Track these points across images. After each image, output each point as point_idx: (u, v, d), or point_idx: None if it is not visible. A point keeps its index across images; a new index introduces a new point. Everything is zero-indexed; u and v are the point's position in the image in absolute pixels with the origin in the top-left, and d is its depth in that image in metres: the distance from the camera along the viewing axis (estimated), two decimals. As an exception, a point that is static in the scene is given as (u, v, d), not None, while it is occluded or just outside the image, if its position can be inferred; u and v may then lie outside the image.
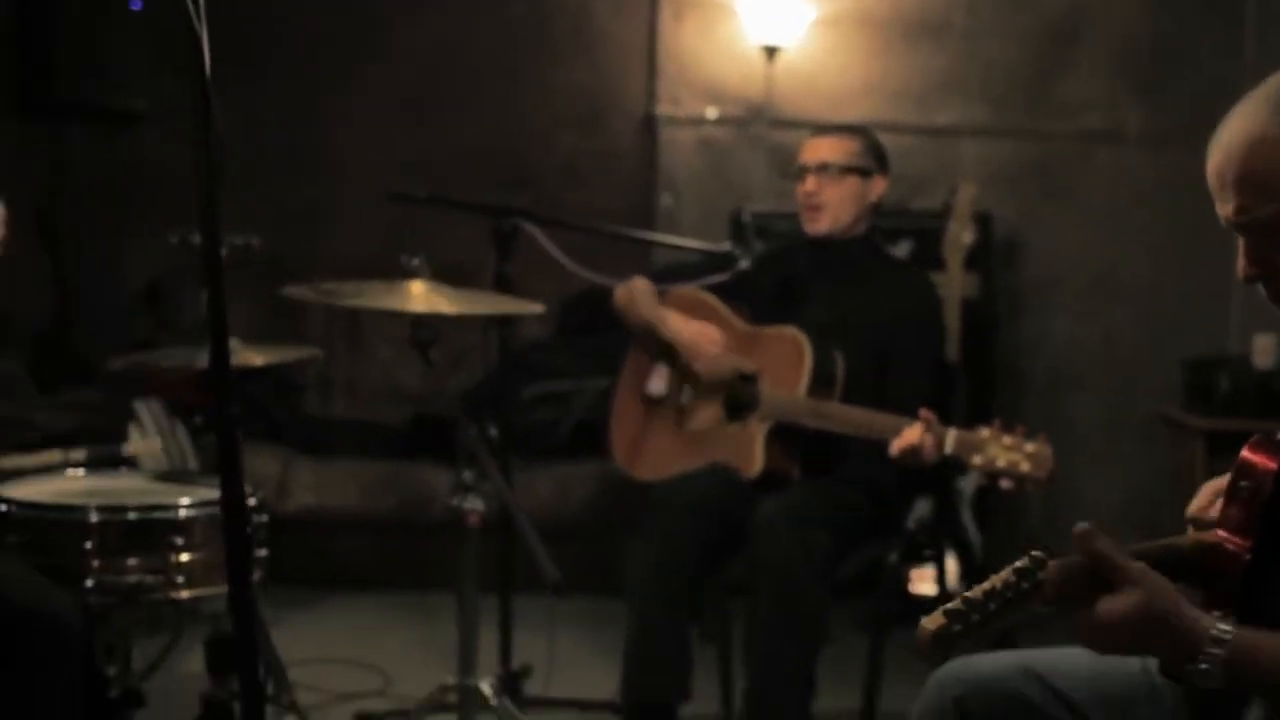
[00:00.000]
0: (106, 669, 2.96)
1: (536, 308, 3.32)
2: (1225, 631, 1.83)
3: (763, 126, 6.21)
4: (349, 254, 6.04)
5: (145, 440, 5.12)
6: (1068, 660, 2.22)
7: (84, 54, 5.94)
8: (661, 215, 6.34)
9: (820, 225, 4.04)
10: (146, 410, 5.23)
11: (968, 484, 4.64)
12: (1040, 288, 6.31)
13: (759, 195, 6.12)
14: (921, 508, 4.43)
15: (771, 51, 6.13)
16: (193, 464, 5.08)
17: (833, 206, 4.02)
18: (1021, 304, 6.28)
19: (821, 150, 4.04)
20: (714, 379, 4.01)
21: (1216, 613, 1.89)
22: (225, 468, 2.21)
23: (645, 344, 4.24)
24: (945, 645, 1.89)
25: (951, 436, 3.51)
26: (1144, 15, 6.27)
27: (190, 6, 2.06)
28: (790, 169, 4.15)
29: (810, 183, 4.02)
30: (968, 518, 4.58)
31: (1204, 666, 1.83)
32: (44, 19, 5.90)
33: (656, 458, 4.10)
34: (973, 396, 5.25)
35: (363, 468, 5.64)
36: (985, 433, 3.45)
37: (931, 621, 1.89)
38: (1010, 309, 6.18)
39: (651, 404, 4.19)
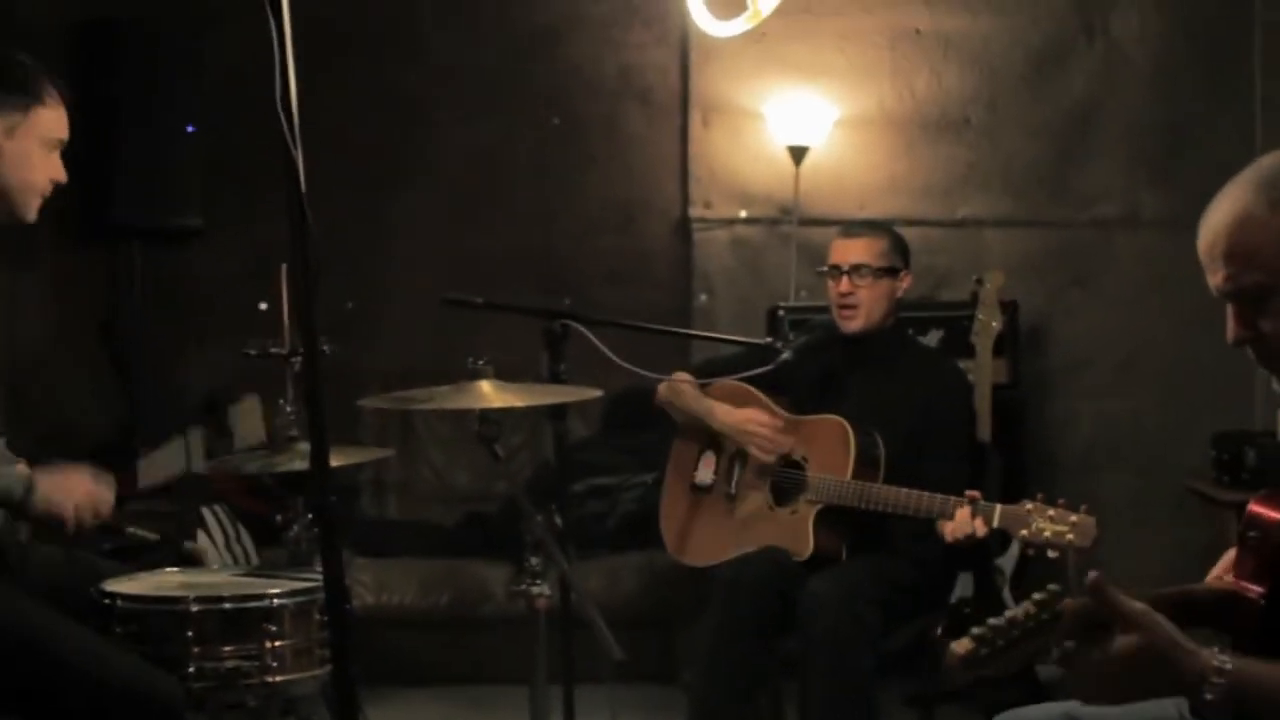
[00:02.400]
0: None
1: (595, 392, 3.52)
2: (1225, 662, 1.98)
3: (792, 225, 6.39)
4: (394, 358, 6.22)
5: (213, 545, 5.35)
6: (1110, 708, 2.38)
7: (141, 175, 6.15)
8: (697, 313, 6.52)
9: (856, 324, 4.24)
10: (213, 517, 5.46)
11: (1007, 561, 4.79)
12: (1068, 371, 6.47)
13: (791, 291, 6.31)
14: (963, 583, 4.59)
15: (798, 152, 6.32)
16: (255, 562, 5.28)
17: (866, 305, 4.23)
18: (1050, 387, 6.43)
19: (853, 252, 4.25)
20: (770, 459, 4.18)
21: (1217, 649, 2.05)
22: (327, 551, 2.40)
23: (691, 435, 4.44)
24: (972, 666, 2.08)
25: (997, 511, 3.70)
26: (1155, 104, 6.47)
27: (285, 128, 2.25)
28: (823, 268, 4.34)
29: (845, 284, 4.23)
30: (1007, 594, 4.73)
31: (1209, 697, 1.98)
32: (102, 143, 6.11)
33: (707, 544, 4.29)
34: (1005, 477, 5.40)
35: (419, 566, 5.82)
36: (1029, 506, 3.65)
37: (960, 645, 2.08)
38: (1040, 392, 6.34)
39: (700, 492, 4.38)
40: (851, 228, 4.41)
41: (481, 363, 3.36)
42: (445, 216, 6.62)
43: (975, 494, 3.77)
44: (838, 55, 6.51)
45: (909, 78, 6.53)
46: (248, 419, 4.39)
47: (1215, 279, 2.21)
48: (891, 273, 4.28)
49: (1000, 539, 3.95)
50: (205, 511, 5.45)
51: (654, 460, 5.85)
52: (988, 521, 3.75)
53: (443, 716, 5.44)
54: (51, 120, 3.08)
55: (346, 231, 6.52)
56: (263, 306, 6.35)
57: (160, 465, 4.00)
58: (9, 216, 3.09)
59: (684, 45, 6.57)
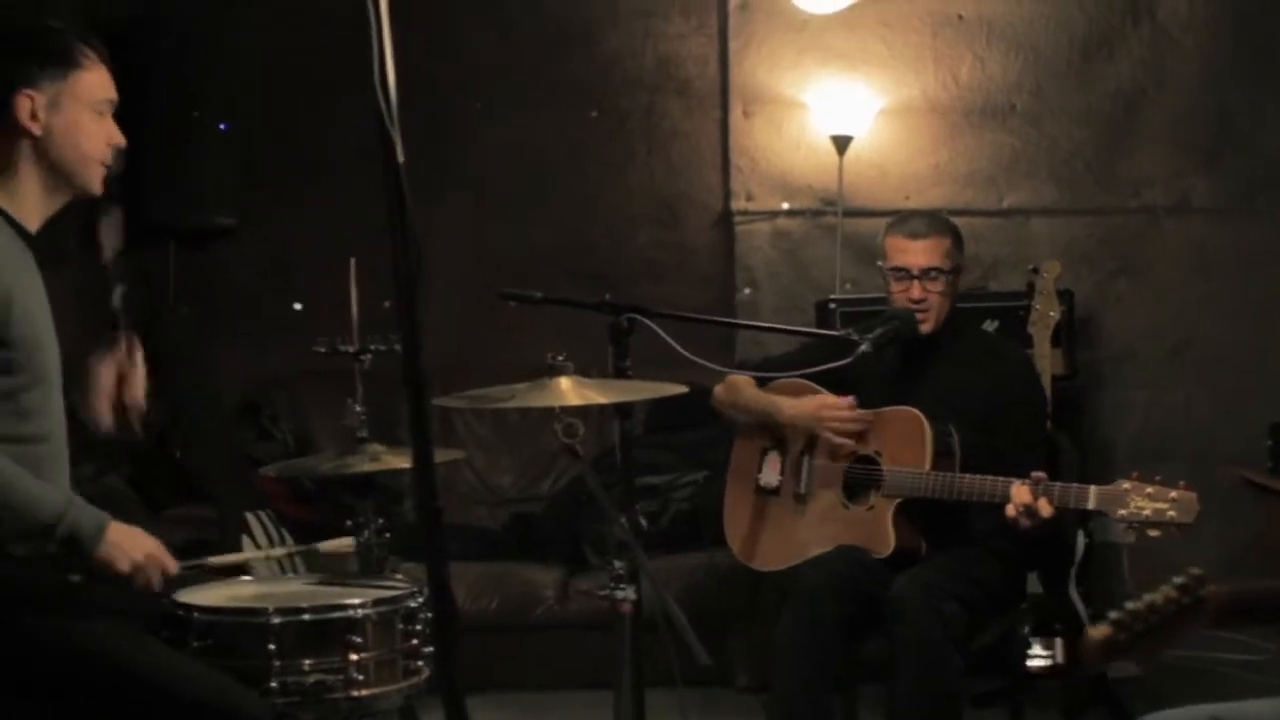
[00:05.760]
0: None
1: (680, 388, 3.39)
2: None
3: (836, 216, 6.29)
4: (435, 356, 6.10)
5: (264, 550, 5.24)
6: (1256, 710, 2.28)
7: (174, 175, 6.07)
8: (740, 307, 6.42)
9: (927, 326, 4.13)
10: (258, 523, 5.35)
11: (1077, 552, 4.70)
12: (1118, 360, 6.38)
13: (836, 284, 6.21)
14: (1029, 581, 4.49)
15: (841, 142, 6.23)
16: (302, 573, 5.17)
17: (936, 307, 4.12)
18: (1101, 377, 6.33)
19: (923, 255, 4.12)
20: (849, 441, 4.07)
21: None
22: (431, 561, 2.29)
23: (752, 436, 4.32)
24: (1109, 653, 1.98)
25: (1093, 493, 3.60)
26: (1203, 89, 6.37)
27: (383, 109, 2.13)
28: (887, 266, 4.19)
29: (917, 290, 4.10)
30: (1073, 590, 4.63)
31: None
32: (134, 142, 6.00)
33: (778, 547, 4.17)
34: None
35: (465, 570, 5.68)
36: (1126, 485, 3.55)
37: (1098, 632, 1.98)
38: (1091, 382, 6.24)
39: (766, 494, 4.26)
40: (913, 225, 4.20)
41: (560, 358, 3.25)
42: (484, 213, 6.53)
43: (1040, 475, 3.67)
44: (880, 43, 6.41)
45: (952, 65, 6.43)
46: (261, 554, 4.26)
47: None
48: (958, 271, 4.18)
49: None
50: (250, 517, 5.35)
51: (702, 458, 5.78)
52: (1052, 503, 3.64)
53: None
54: (94, 83, 2.93)
55: (383, 232, 6.42)
56: (297, 306, 6.28)
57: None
58: (74, 191, 2.95)
59: (723, 35, 6.48)
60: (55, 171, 2.91)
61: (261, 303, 6.50)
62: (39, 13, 3.01)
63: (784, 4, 6.37)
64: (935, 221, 4.26)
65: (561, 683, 5.45)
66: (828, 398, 4.11)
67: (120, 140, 2.97)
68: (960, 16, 6.42)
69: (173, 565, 2.87)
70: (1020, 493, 3.71)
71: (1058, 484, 3.72)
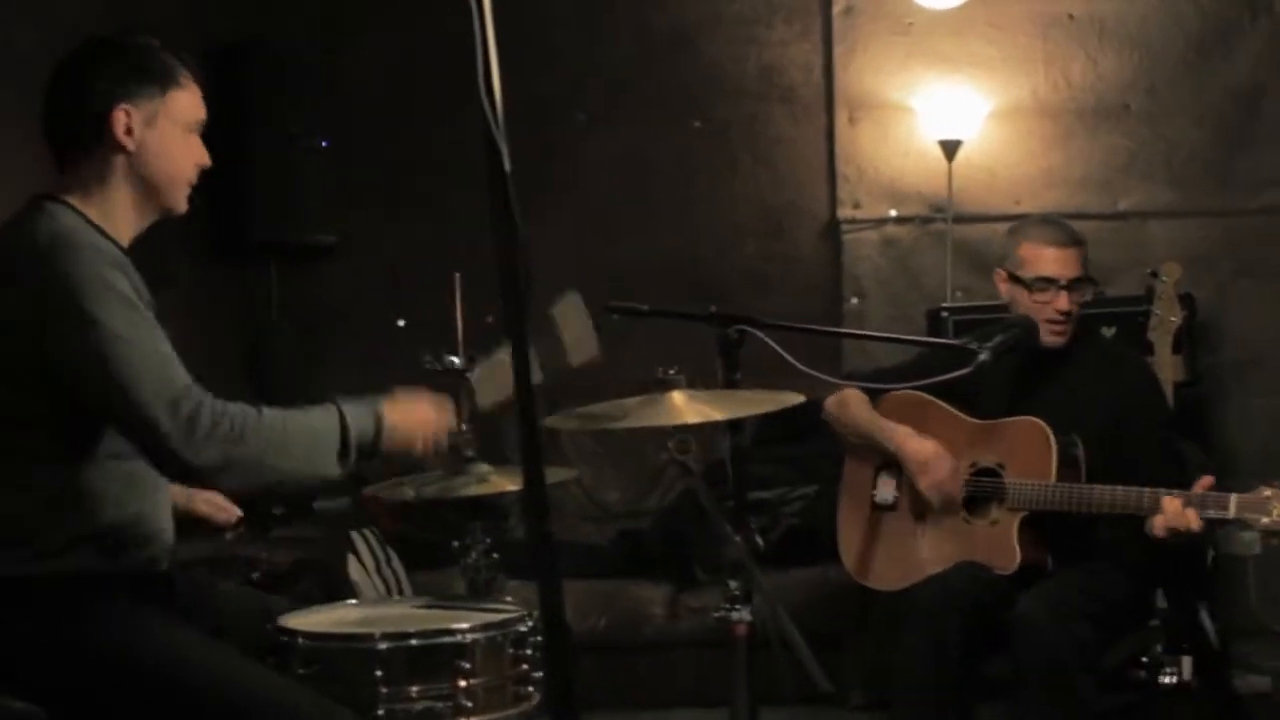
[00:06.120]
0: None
1: (797, 398, 3.27)
2: None
3: (946, 223, 6.17)
4: (545, 366, 6.06)
5: (364, 571, 5.19)
6: None
7: (275, 193, 6.08)
8: (848, 317, 6.34)
9: (1064, 338, 4.00)
10: (363, 541, 5.29)
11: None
12: (1241, 366, 6.19)
13: (947, 292, 6.08)
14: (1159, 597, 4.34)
15: (950, 147, 6.11)
16: (408, 592, 5.11)
17: (1075, 318, 3.99)
18: (1224, 383, 6.15)
19: (1072, 264, 3.97)
20: (940, 499, 3.96)
21: None
22: (544, 585, 2.21)
23: (864, 452, 4.20)
24: None
25: (1233, 501, 3.47)
26: (1323, 84, 6.19)
27: (489, 115, 2.06)
28: (1029, 275, 4.02)
29: (1065, 301, 3.95)
30: (1203, 606, 4.47)
31: None
32: (236, 162, 6.03)
33: (896, 565, 4.05)
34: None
35: (572, 588, 5.52)
36: (1268, 493, 3.44)
37: None
38: (1214, 389, 6.06)
39: (881, 511, 4.14)
40: (1058, 233, 4.04)
41: (671, 372, 3.15)
42: (585, 226, 6.45)
43: (1208, 479, 3.53)
44: (988, 45, 6.29)
45: (1063, 65, 6.29)
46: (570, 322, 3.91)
47: None
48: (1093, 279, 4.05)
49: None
50: (355, 535, 5.30)
51: (812, 472, 5.67)
52: (1201, 513, 3.51)
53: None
54: (188, 102, 2.90)
55: (489, 246, 6.38)
56: (401, 323, 6.24)
57: (496, 382, 3.55)
58: (161, 210, 2.92)
59: (827, 40, 6.39)
60: (145, 188, 2.88)
61: (365, 320, 6.47)
62: (141, 32, 2.97)
63: (889, 7, 6.27)
64: (1073, 228, 4.11)
65: (671, 701, 5.38)
66: (933, 449, 3.97)
67: (207, 161, 2.95)
68: (1071, 15, 6.29)
69: (453, 419, 2.99)
70: (1172, 505, 3.57)
71: (1198, 493, 3.58)
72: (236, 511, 3.36)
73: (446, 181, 6.15)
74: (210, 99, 2.93)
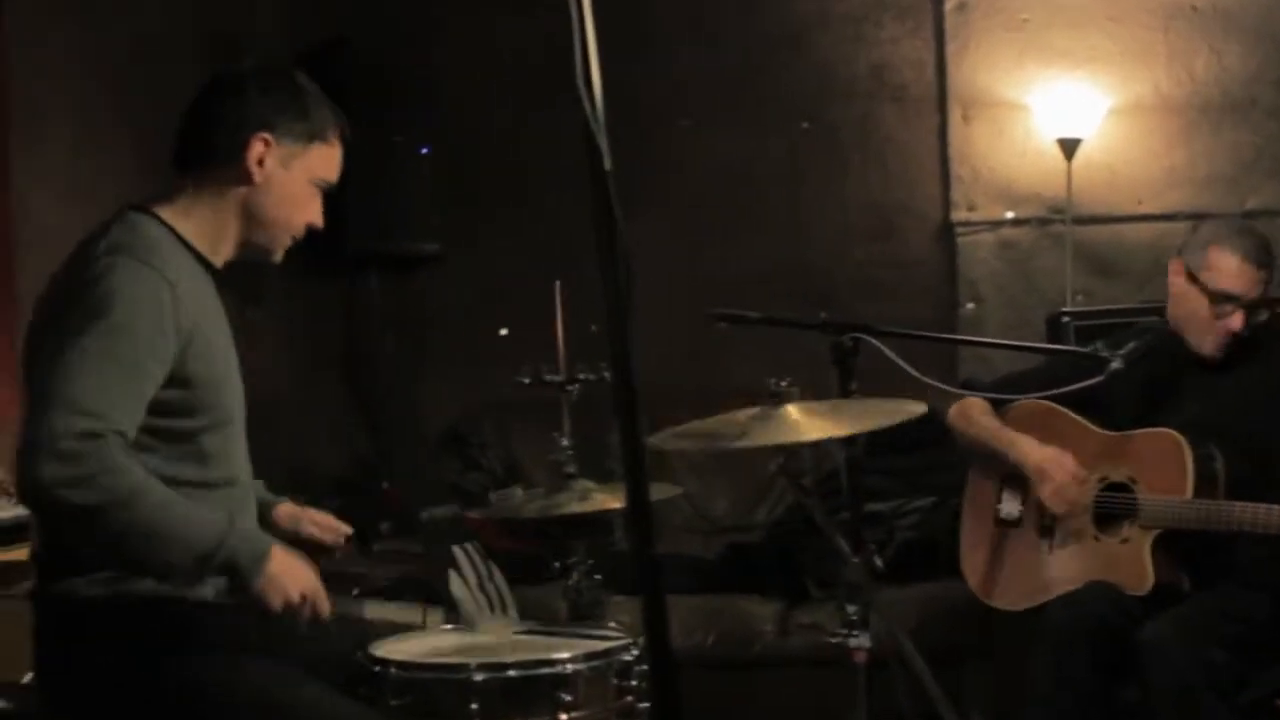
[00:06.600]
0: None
1: (919, 408, 3.09)
2: None
3: (1066, 224, 5.95)
4: (645, 384, 5.92)
5: (466, 587, 5.06)
6: None
7: (375, 202, 5.97)
8: (963, 322, 6.13)
9: (1222, 354, 3.78)
10: (465, 557, 5.16)
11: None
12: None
13: (1067, 296, 5.86)
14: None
15: (1069, 145, 5.89)
16: (512, 609, 4.98)
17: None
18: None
19: (1259, 286, 3.76)
20: (1063, 507, 3.76)
21: None
22: (651, 615, 2.07)
23: (988, 465, 4.01)
24: None
25: None
26: None
27: (587, 110, 1.90)
28: (1214, 287, 3.79)
29: (1241, 321, 3.74)
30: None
31: None
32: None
33: (1022, 583, 3.87)
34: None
35: (679, 603, 5.42)
36: None
37: None
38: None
39: (1006, 526, 3.95)
40: (1256, 248, 3.80)
41: (784, 384, 2.98)
42: (691, 232, 6.30)
43: None
44: (1107, 39, 6.05)
45: (1186, 59, 6.03)
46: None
47: None
48: None
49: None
50: (456, 550, 5.17)
51: (927, 484, 5.48)
52: None
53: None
54: (329, 160, 2.82)
55: (591, 255, 6.26)
56: (503, 332, 6.13)
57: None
58: (256, 252, 2.81)
59: (939, 37, 6.18)
60: (253, 225, 2.78)
61: (466, 330, 6.37)
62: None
63: (1003, 2, 6.07)
64: (1269, 245, 3.85)
65: (785, 720, 5.20)
66: (1059, 457, 3.78)
67: (319, 223, 2.86)
68: (1194, 7, 6.04)
69: (327, 607, 2.66)
70: None
71: None
72: (345, 530, 3.20)
73: (550, 187, 6.02)
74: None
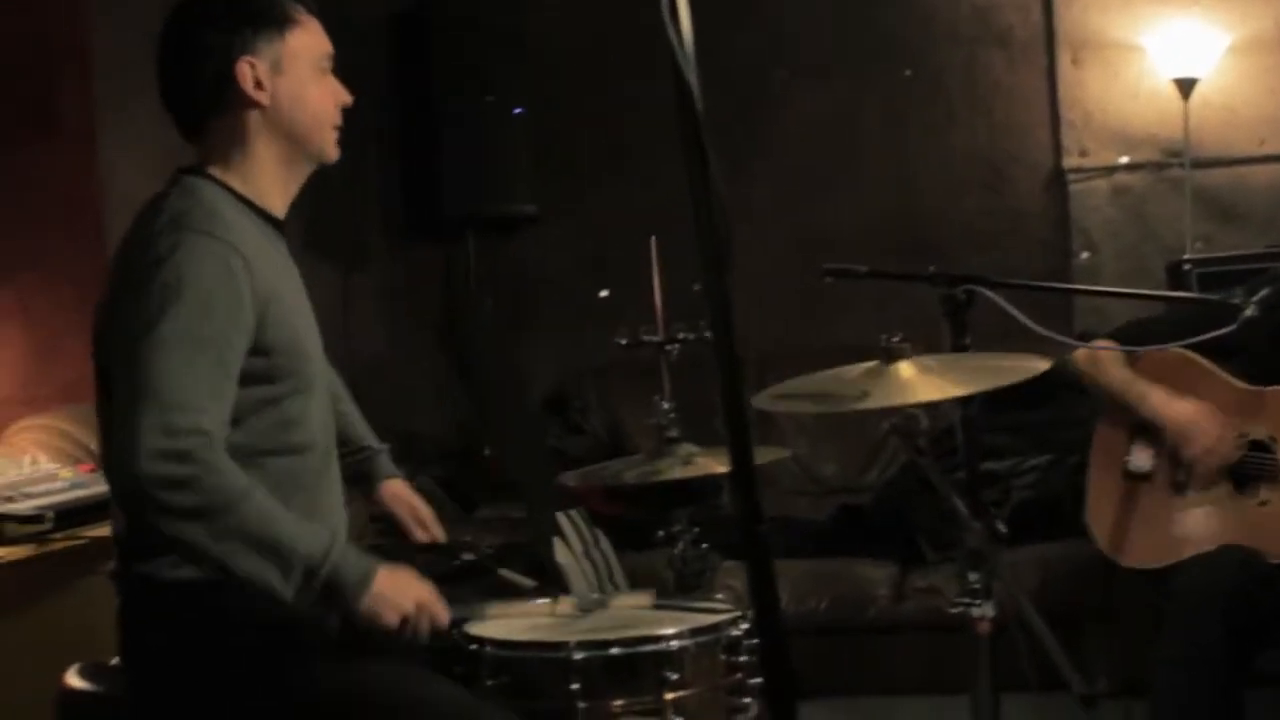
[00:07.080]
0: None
1: (1043, 364, 2.93)
2: None
3: (1183, 168, 5.74)
4: (748, 342, 5.78)
5: (571, 554, 4.95)
6: None
7: (470, 164, 5.90)
8: (1078, 272, 5.95)
9: None
10: (570, 523, 5.05)
11: None
12: None
13: (1187, 243, 5.64)
14: None
15: (1185, 86, 5.68)
16: (619, 576, 4.87)
17: None
18: None
19: None
20: (1215, 466, 3.57)
21: None
22: (758, 588, 1.94)
23: (1118, 414, 3.82)
24: None
25: None
26: None
27: (675, 48, 1.76)
28: None
29: None
30: None
31: None
32: (429, 134, 5.87)
33: (1152, 542, 3.68)
34: None
35: (790, 568, 5.28)
36: None
37: None
38: None
39: (1136, 480, 3.76)
40: None
41: (895, 340, 2.83)
42: (794, 186, 6.17)
43: None
44: (1223, -27, 5.82)
45: (1310, -9, 5.80)
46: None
47: None
48: None
49: None
50: (561, 517, 5.07)
51: (1045, 440, 5.30)
52: None
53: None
54: (311, 39, 2.65)
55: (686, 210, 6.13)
56: (604, 294, 6.00)
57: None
58: (312, 161, 2.68)
59: (1046, -24, 5.98)
60: (290, 142, 2.64)
61: (566, 292, 6.28)
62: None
63: (1112, -61, 5.85)
64: None
65: (898, 688, 5.06)
66: (1199, 413, 3.61)
67: (348, 98, 2.70)
68: (1316, -64, 5.80)
69: (444, 615, 2.52)
70: None
71: None
72: (439, 536, 3.08)
73: (648, 144, 5.89)
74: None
